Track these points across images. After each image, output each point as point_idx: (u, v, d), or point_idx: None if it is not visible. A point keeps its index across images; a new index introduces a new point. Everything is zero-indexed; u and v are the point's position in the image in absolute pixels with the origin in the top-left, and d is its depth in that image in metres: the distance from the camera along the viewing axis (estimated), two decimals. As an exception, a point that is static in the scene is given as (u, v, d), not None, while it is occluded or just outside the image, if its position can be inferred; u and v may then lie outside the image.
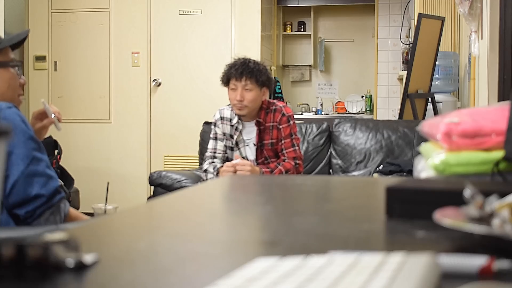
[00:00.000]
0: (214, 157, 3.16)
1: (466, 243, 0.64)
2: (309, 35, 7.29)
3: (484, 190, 0.69)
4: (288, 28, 7.32)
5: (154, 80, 5.47)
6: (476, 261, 0.51)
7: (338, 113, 6.95)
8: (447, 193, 0.79)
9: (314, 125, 4.31)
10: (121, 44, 5.50)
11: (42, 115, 1.97)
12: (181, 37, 5.44)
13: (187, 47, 5.43)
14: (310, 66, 7.30)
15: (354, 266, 0.47)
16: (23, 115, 1.60)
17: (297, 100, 7.27)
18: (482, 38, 4.05)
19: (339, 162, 4.17)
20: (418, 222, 0.74)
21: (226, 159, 3.15)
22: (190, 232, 0.76)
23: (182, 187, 3.56)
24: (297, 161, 3.09)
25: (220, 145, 3.17)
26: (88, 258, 0.54)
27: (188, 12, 5.43)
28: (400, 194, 0.81)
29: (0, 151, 0.46)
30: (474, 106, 4.34)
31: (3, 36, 1.80)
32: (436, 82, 5.02)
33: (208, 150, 3.19)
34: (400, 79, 6.11)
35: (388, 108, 6.84)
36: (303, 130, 4.24)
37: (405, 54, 6.34)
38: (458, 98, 5.27)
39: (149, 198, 4.90)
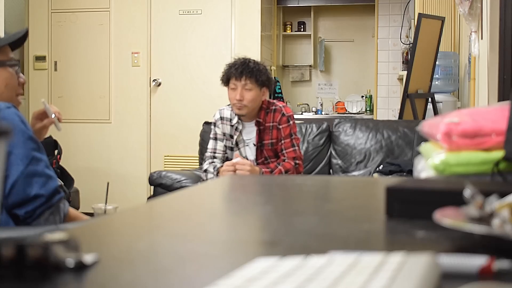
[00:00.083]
0: (214, 157, 3.16)
1: (466, 243, 0.64)
2: (309, 35, 7.29)
3: (484, 190, 0.69)
4: (288, 28, 7.32)
5: (154, 80, 5.47)
6: (476, 261, 0.51)
7: (338, 113, 6.95)
8: (447, 193, 0.79)
9: (314, 125, 4.31)
10: (121, 44, 5.50)
11: (42, 115, 1.97)
12: (181, 37, 5.44)
13: (187, 47, 5.43)
14: (310, 66, 7.30)
15: (354, 266, 0.47)
16: (22, 115, 1.60)
17: (297, 100, 7.27)
18: (482, 38, 4.05)
19: (339, 162, 4.17)
20: (418, 222, 0.74)
21: (226, 159, 3.15)
22: (190, 232, 0.76)
23: (182, 187, 3.56)
24: (297, 161, 3.09)
25: (220, 145, 3.17)
26: (88, 258, 0.54)
27: (188, 12, 5.43)
28: (400, 194, 0.81)
29: (0, 151, 0.46)
30: (474, 106, 4.34)
31: (2, 36, 1.80)
32: (436, 82, 5.02)
33: (208, 150, 3.19)
34: (400, 79, 6.11)
35: (388, 108, 6.84)
36: (303, 130, 4.24)
37: (405, 54, 6.34)
38: (458, 98, 5.27)
39: (149, 198, 4.90)
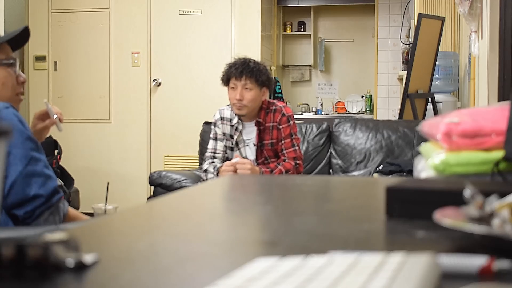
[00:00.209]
0: (214, 157, 3.16)
1: (466, 243, 0.64)
2: (309, 35, 7.29)
3: (484, 190, 0.69)
4: (288, 28, 7.32)
5: (154, 80, 5.47)
6: (476, 261, 0.51)
7: (338, 113, 6.95)
8: (447, 193, 0.79)
9: (314, 125, 4.31)
10: (121, 44, 5.50)
11: (44, 115, 1.96)
12: (181, 37, 5.44)
13: (187, 47, 5.43)
14: (310, 66, 7.30)
15: (354, 266, 0.47)
16: (20, 115, 1.59)
17: (297, 100, 7.27)
18: (482, 38, 4.05)
19: (339, 162, 4.17)
20: (418, 222, 0.74)
21: (226, 159, 3.15)
22: (190, 232, 0.76)
23: (182, 187, 3.56)
24: (297, 161, 3.09)
25: (220, 145, 3.17)
26: (88, 258, 0.54)
27: (188, 12, 5.43)
28: (400, 194, 0.81)
29: (0, 151, 0.46)
30: (474, 106, 4.34)
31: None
32: (436, 82, 5.02)
33: (208, 150, 3.20)
34: (400, 79, 6.11)
35: (388, 108, 6.84)
36: (303, 130, 4.24)
37: (405, 54, 6.34)
38: (458, 98, 5.27)
39: (149, 198, 4.90)
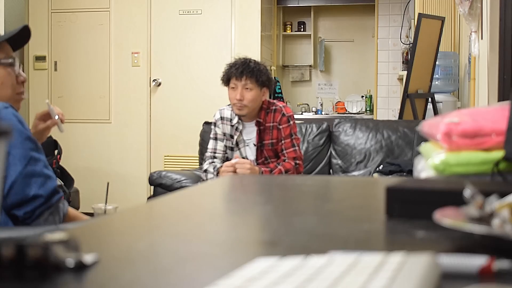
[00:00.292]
0: (214, 157, 3.16)
1: (466, 243, 0.64)
2: (309, 35, 7.29)
3: (484, 190, 0.68)
4: (288, 28, 7.32)
5: (154, 80, 5.47)
6: (476, 261, 0.51)
7: (338, 113, 6.95)
8: (447, 193, 0.79)
9: (314, 125, 4.31)
10: (121, 44, 5.50)
11: (46, 116, 1.96)
12: (181, 37, 5.44)
13: (187, 47, 5.43)
14: (310, 66, 7.30)
15: (354, 266, 0.47)
16: (20, 115, 1.58)
17: (297, 100, 7.27)
18: (482, 38, 4.05)
19: (339, 162, 4.17)
20: (418, 222, 0.74)
21: (226, 159, 3.15)
22: (190, 232, 0.76)
23: (182, 187, 3.56)
24: (297, 161, 3.09)
25: (220, 145, 3.17)
26: (88, 258, 0.54)
27: (188, 12, 5.43)
28: (400, 194, 0.81)
29: (0, 151, 0.46)
30: (474, 106, 4.34)
31: None
32: (436, 82, 5.02)
33: (208, 150, 3.20)
34: (400, 79, 6.11)
35: (388, 108, 6.84)
36: (303, 130, 4.24)
37: (405, 54, 6.34)
38: (458, 98, 5.27)
39: (149, 198, 4.90)
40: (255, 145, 3.12)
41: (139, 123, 5.48)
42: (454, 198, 0.72)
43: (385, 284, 0.41)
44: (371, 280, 0.42)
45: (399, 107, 4.82)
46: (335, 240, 0.70)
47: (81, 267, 0.53)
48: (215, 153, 3.17)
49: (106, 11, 5.53)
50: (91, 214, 2.06)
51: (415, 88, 4.64)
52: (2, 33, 1.77)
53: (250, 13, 5.40)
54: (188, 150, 5.27)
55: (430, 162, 1.17)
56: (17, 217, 1.52)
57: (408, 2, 5.93)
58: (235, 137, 3.15)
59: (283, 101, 6.39)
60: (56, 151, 2.06)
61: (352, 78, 7.23)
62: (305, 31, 7.32)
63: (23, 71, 1.80)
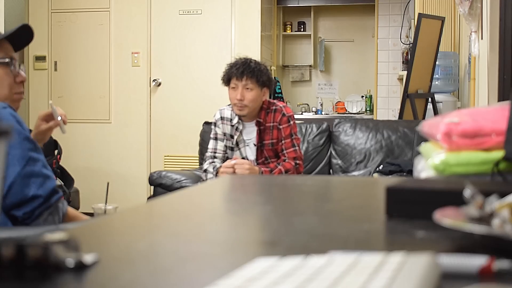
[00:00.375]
0: (214, 157, 3.16)
1: (466, 243, 0.64)
2: (309, 35, 7.29)
3: (484, 190, 0.68)
4: (288, 28, 7.32)
5: (154, 80, 5.47)
6: (476, 261, 0.51)
7: (338, 113, 6.95)
8: (447, 193, 0.79)
9: (314, 125, 4.31)
10: (121, 44, 5.50)
11: (48, 116, 1.96)
12: (181, 37, 5.44)
13: (187, 47, 5.43)
14: (310, 66, 7.30)
15: (354, 266, 0.47)
16: (18, 115, 1.58)
17: (297, 100, 7.27)
18: (482, 38, 4.05)
19: (339, 162, 4.17)
20: (418, 222, 0.74)
21: (226, 159, 3.15)
22: (190, 232, 0.76)
23: (182, 187, 3.56)
24: (297, 161, 3.09)
25: (220, 145, 3.17)
26: (88, 258, 0.54)
27: (188, 12, 5.43)
28: (400, 194, 0.81)
29: (0, 151, 0.46)
30: (474, 106, 4.34)
31: None
32: (436, 82, 5.02)
33: (208, 150, 3.20)
34: (400, 79, 6.11)
35: (388, 108, 6.84)
36: (303, 130, 4.24)
37: (405, 54, 6.34)
38: (458, 98, 5.27)
39: (149, 198, 4.90)
40: (255, 145, 3.12)
41: (139, 123, 5.48)
42: (454, 198, 0.72)
43: (385, 284, 0.41)
44: (371, 280, 0.42)
45: (399, 107, 4.82)
46: (335, 240, 0.70)
47: (81, 267, 0.53)
48: (215, 153, 3.17)
49: (106, 11, 5.53)
50: (91, 214, 2.06)
51: (415, 88, 4.64)
52: (2, 33, 1.76)
53: (250, 13, 5.40)
54: (188, 150, 5.27)
55: (430, 162, 1.17)
56: (17, 218, 1.52)
57: (408, 2, 5.93)
58: (235, 137, 3.15)
59: (283, 101, 6.39)
60: (56, 151, 2.06)
61: (352, 78, 7.23)
62: (305, 31, 7.32)
63: (23, 71, 1.79)
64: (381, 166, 3.86)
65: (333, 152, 4.21)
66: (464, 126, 1.16)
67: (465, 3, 4.15)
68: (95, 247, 0.65)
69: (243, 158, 3.13)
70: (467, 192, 0.67)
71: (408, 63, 5.36)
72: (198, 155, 4.36)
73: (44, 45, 5.60)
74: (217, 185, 1.33)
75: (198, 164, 4.39)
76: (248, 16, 5.39)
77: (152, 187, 3.92)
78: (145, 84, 5.49)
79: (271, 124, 3.10)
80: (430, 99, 4.82)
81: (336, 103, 7.11)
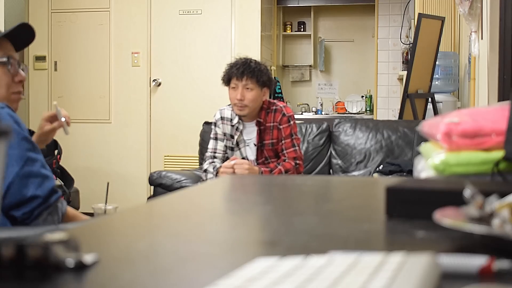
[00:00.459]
0: (214, 157, 3.16)
1: (466, 243, 0.64)
2: (309, 35, 7.29)
3: (484, 190, 0.68)
4: (288, 28, 7.32)
5: (154, 80, 5.47)
6: (476, 261, 0.51)
7: (338, 113, 6.94)
8: (447, 193, 0.79)
9: (314, 125, 4.31)
10: (121, 44, 5.50)
11: (52, 117, 1.95)
12: (181, 37, 5.44)
13: (187, 47, 5.43)
14: (310, 66, 7.30)
15: (354, 266, 0.47)
16: (16, 115, 1.57)
17: (297, 100, 7.27)
18: (482, 38, 4.05)
19: (339, 162, 4.17)
20: (418, 222, 0.74)
21: (226, 159, 3.15)
22: (190, 232, 0.76)
23: (182, 187, 3.56)
24: (298, 161, 3.09)
25: (220, 145, 3.17)
26: (88, 258, 0.54)
27: (188, 12, 5.43)
28: (400, 194, 0.81)
29: (0, 151, 0.46)
30: (474, 106, 4.34)
31: None
32: (436, 82, 5.02)
33: (208, 150, 3.20)
34: (400, 79, 6.11)
35: (388, 108, 6.84)
36: (303, 130, 4.24)
37: (405, 54, 6.34)
38: (458, 98, 5.27)
39: (149, 198, 4.90)
40: (255, 145, 3.12)
41: (139, 123, 5.48)
42: (454, 198, 0.72)
43: (385, 284, 0.41)
44: (371, 280, 0.42)
45: (399, 107, 4.82)
46: (335, 240, 0.70)
47: (81, 267, 0.53)
48: (215, 153, 3.17)
49: (106, 11, 5.53)
50: (91, 214, 2.06)
51: (415, 88, 4.64)
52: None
53: (250, 13, 5.40)
54: (188, 150, 5.27)
55: (430, 162, 1.17)
56: (16, 218, 1.51)
57: (408, 2, 5.93)
58: (236, 137, 3.15)
59: (283, 101, 6.39)
60: (56, 151, 2.05)
61: (352, 78, 7.23)
62: (305, 31, 7.32)
63: (23, 71, 1.78)
64: (381, 166, 3.86)
65: (333, 152, 4.21)
66: (464, 126, 1.16)
67: (465, 3, 4.15)
68: (95, 247, 0.65)
69: (243, 158, 3.13)
70: (467, 192, 0.67)
71: (408, 63, 5.36)
72: (198, 155, 4.36)
73: (44, 45, 5.60)
74: (217, 185, 1.33)
75: (198, 164, 4.39)
76: (248, 16, 5.39)
77: (152, 187, 3.92)
78: (145, 84, 5.49)
79: (271, 124, 3.10)
80: (430, 99, 4.82)
81: (336, 103, 7.11)
